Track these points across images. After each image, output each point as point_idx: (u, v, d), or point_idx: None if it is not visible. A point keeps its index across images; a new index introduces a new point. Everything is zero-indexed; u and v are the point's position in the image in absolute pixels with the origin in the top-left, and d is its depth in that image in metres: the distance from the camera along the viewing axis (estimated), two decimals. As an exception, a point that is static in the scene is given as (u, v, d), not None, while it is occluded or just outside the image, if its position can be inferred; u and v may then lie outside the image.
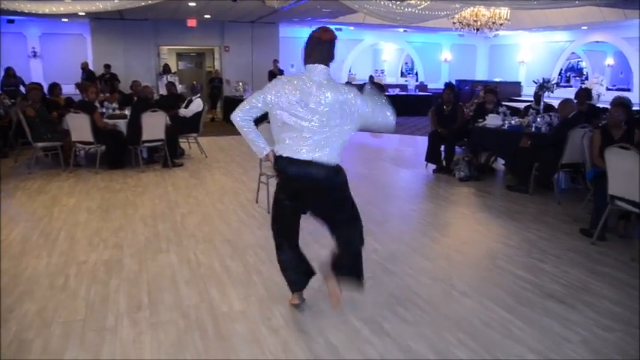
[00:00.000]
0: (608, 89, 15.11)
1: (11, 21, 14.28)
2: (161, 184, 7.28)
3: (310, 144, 3.05)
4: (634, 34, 14.20)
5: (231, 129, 13.09)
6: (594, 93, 12.34)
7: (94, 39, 14.76)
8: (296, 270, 3.48)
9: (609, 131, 5.61)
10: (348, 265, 3.39)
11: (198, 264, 4.40)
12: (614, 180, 4.85)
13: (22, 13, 11.50)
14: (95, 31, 14.65)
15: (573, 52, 17.33)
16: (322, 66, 3.11)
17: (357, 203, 3.45)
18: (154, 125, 8.01)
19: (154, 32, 15.09)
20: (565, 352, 3.09)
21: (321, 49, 3.13)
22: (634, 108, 7.64)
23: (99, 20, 14.25)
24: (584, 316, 3.56)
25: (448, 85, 8.70)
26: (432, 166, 8.39)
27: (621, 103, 6.13)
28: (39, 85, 8.78)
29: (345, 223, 3.34)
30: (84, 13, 11.97)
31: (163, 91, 12.08)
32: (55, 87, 9.58)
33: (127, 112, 8.66)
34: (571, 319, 3.50)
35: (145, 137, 8.00)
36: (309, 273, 3.52)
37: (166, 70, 14.97)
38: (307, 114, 3.02)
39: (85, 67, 14.01)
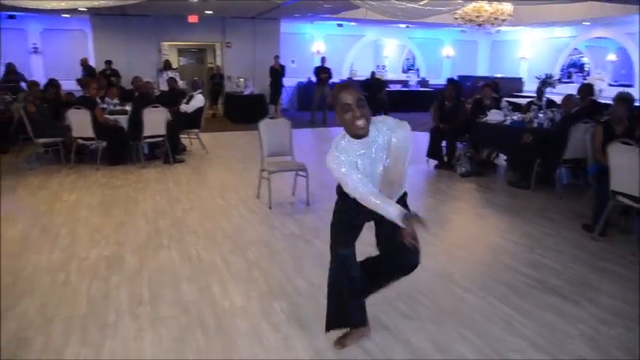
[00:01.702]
0: (609, 85, 15.04)
1: (12, 17, 14.23)
2: (162, 180, 7.27)
3: None
4: (636, 30, 14.13)
5: (231, 125, 13.15)
6: (596, 89, 12.31)
7: (95, 35, 14.70)
8: None
9: (611, 127, 5.59)
10: None
11: (199, 260, 4.39)
12: (616, 175, 4.83)
13: (23, 9, 11.49)
14: (96, 27, 14.59)
15: (575, 48, 17.24)
16: None
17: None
18: (155, 121, 8.00)
19: (155, 28, 15.02)
20: (566, 347, 3.09)
21: None
22: (636, 104, 7.61)
23: (100, 16, 14.19)
24: (585, 311, 3.55)
25: (450, 80, 8.69)
26: (433, 162, 8.36)
27: (624, 99, 6.08)
28: (55, 81, 8.83)
29: None
30: (85, 9, 11.94)
31: (164, 87, 12.06)
32: (52, 83, 9.55)
33: (128, 108, 8.65)
34: (573, 315, 3.49)
35: (146, 133, 7.99)
36: None
37: (167, 66, 14.95)
38: None
39: (84, 63, 13.96)
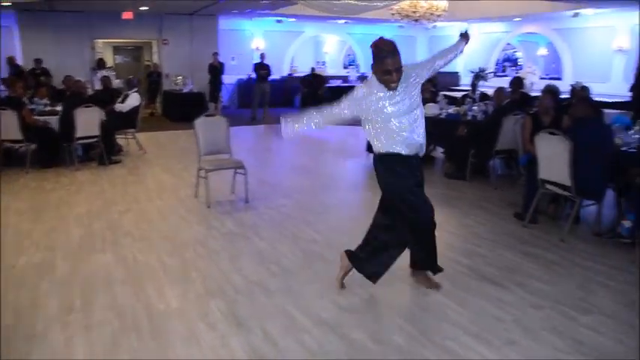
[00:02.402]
0: (541, 78, 15.64)
1: None
2: (97, 182, 7.03)
3: None
4: (563, 26, 14.77)
5: (170, 124, 12.87)
6: (528, 82, 12.78)
7: (23, 32, 13.99)
8: None
9: (539, 118, 5.82)
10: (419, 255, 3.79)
11: (135, 262, 4.28)
12: (544, 164, 5.03)
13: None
14: (23, 23, 13.88)
15: (509, 43, 17.84)
16: None
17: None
18: (89, 121, 7.72)
19: (87, 25, 14.46)
20: (498, 332, 3.19)
21: None
22: (563, 96, 7.95)
23: (27, 12, 13.56)
24: (516, 296, 3.69)
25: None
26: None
27: (550, 91, 6.37)
28: None
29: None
30: (9, 3, 11.38)
31: (99, 87, 11.67)
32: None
33: (59, 108, 8.32)
34: (504, 300, 3.62)
35: (79, 134, 7.69)
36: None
37: (101, 64, 14.45)
38: None
39: (10, 61, 13.26)
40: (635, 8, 12.08)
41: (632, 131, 5.36)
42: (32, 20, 13.83)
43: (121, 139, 9.21)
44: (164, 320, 3.31)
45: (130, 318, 3.34)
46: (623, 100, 11.06)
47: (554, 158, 4.90)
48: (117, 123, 8.74)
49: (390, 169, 3.56)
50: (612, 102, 11.30)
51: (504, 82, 9.62)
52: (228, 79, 15.70)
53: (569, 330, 3.23)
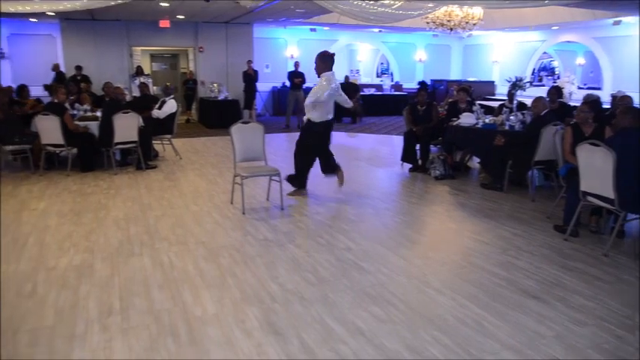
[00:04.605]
0: (579, 88, 15.35)
1: (-23, 22, 13.95)
2: (134, 187, 7.16)
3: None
4: (603, 34, 14.46)
5: (205, 130, 13.05)
6: (566, 92, 12.52)
7: (65, 40, 14.45)
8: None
9: (580, 128, 5.69)
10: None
11: (171, 267, 4.33)
12: (586, 176, 4.90)
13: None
14: (65, 31, 14.35)
15: (545, 52, 17.54)
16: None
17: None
18: (127, 127, 7.89)
19: (125, 33, 14.84)
20: (539, 348, 3.10)
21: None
22: (604, 106, 7.76)
23: (69, 21, 13.96)
24: (557, 311, 3.59)
25: (421, 84, 8.74)
26: (407, 166, 8.40)
27: (590, 101, 6.23)
28: (9, 87, 8.60)
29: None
30: (53, 14, 11.74)
31: (137, 93, 11.93)
32: (22, 89, 9.36)
33: (99, 114, 8.52)
34: (544, 315, 3.52)
35: (117, 139, 7.87)
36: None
37: (139, 71, 14.76)
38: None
39: (56, 68, 13.73)
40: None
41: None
42: (74, 29, 14.25)
43: (157, 145, 9.38)
44: (200, 326, 3.33)
45: (167, 322, 3.37)
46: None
47: (596, 170, 4.77)
48: (154, 129, 8.91)
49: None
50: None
51: (541, 92, 9.45)
52: (263, 86, 15.86)
53: (616, 349, 3.12)
